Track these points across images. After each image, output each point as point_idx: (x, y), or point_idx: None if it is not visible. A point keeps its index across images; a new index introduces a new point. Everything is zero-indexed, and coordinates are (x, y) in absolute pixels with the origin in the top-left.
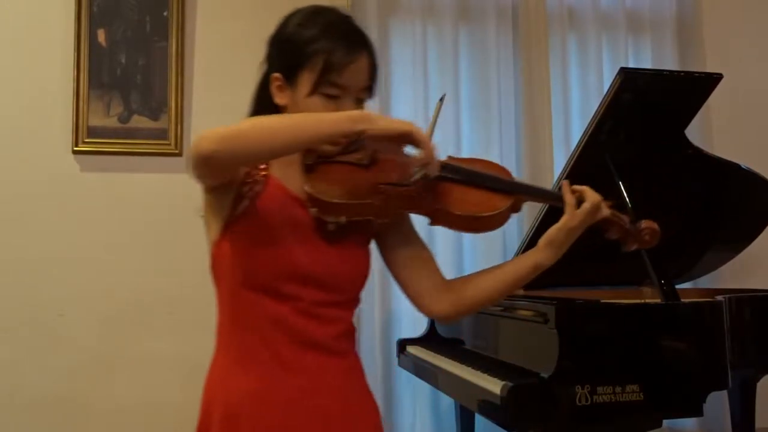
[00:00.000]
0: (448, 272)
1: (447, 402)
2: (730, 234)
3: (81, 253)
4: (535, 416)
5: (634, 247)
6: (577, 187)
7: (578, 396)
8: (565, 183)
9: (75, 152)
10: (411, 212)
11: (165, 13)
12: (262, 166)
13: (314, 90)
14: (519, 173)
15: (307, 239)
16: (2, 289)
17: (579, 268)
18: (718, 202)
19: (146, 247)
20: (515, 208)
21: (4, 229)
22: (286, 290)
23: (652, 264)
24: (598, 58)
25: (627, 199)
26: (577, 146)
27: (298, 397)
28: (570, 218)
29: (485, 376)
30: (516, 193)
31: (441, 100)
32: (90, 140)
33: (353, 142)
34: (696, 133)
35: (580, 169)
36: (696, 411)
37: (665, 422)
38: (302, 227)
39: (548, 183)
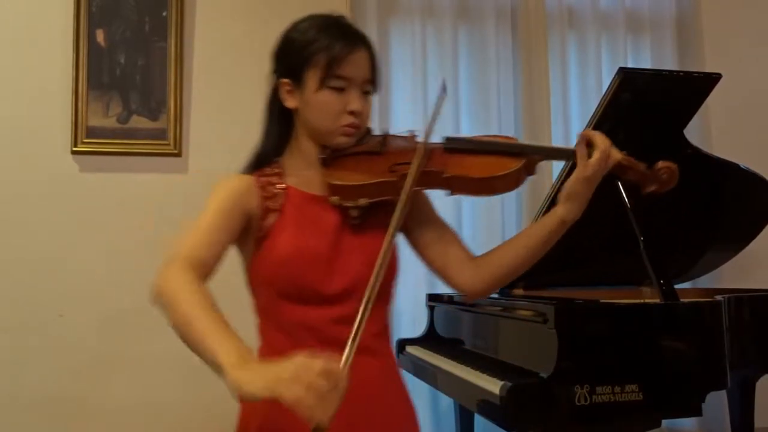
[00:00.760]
0: None
1: (446, 402)
2: (729, 234)
3: (80, 253)
4: (534, 416)
5: (653, 188)
6: (587, 134)
7: (577, 396)
8: (580, 135)
9: (74, 152)
10: (428, 188)
11: (164, 14)
12: (278, 181)
13: (321, 85)
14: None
15: (335, 238)
16: (2, 290)
17: (578, 268)
18: (717, 202)
19: (146, 247)
20: (529, 170)
21: (3, 230)
22: (326, 295)
23: (652, 264)
24: (598, 58)
25: (626, 199)
26: None
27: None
28: (583, 168)
29: (484, 376)
30: (526, 154)
31: (443, 90)
32: (89, 140)
33: (364, 136)
34: (695, 133)
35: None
36: (695, 411)
37: (664, 422)
38: (328, 226)
39: (547, 183)
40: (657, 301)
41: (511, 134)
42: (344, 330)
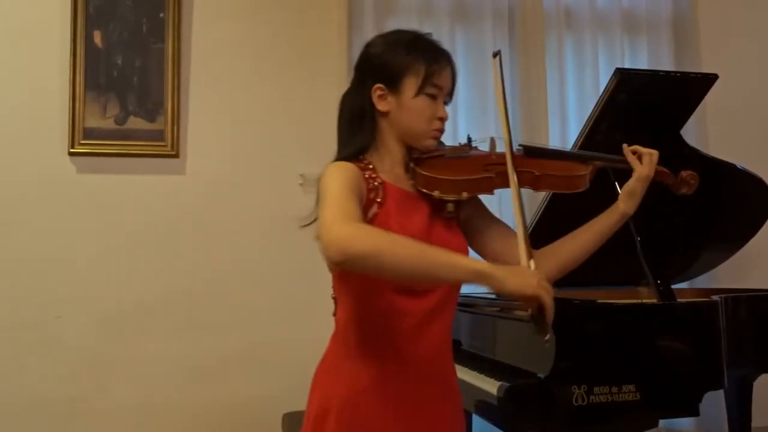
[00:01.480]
0: None
1: None
2: (726, 234)
3: (78, 255)
4: (531, 416)
5: (684, 191)
6: (632, 147)
7: (575, 396)
8: (624, 146)
9: (71, 154)
10: (521, 186)
11: (161, 15)
12: (375, 175)
13: (419, 91)
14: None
15: (430, 230)
16: (0, 291)
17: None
18: (714, 202)
19: (143, 249)
20: (592, 175)
21: (0, 231)
22: (417, 289)
23: (649, 264)
24: (595, 59)
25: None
26: (574, 146)
27: (415, 389)
28: (642, 170)
29: (482, 376)
30: (589, 160)
31: (495, 56)
32: (86, 142)
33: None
34: (692, 133)
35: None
36: (692, 411)
37: (662, 422)
38: (422, 222)
39: None
40: (654, 301)
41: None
42: (434, 317)
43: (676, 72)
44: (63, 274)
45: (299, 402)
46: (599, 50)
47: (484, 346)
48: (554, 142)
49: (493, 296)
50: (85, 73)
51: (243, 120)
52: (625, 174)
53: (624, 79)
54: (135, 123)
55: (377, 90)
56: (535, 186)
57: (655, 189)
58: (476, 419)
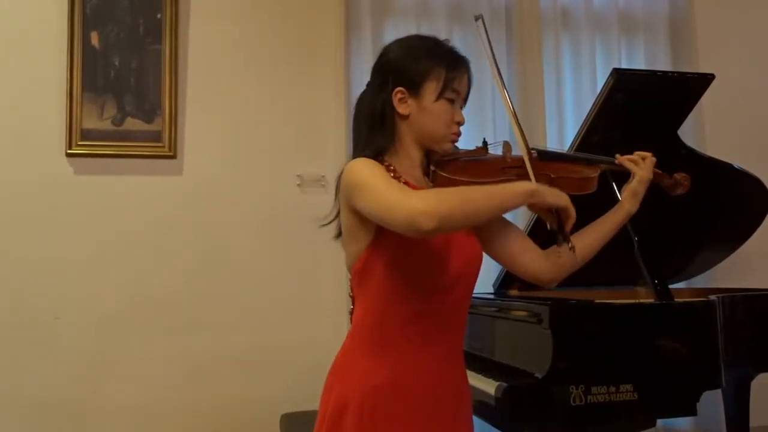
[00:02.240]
0: None
1: None
2: (723, 234)
3: (75, 256)
4: (529, 416)
5: (679, 191)
6: (625, 156)
7: (572, 396)
8: (618, 156)
9: (68, 155)
10: None
11: (158, 16)
12: (397, 176)
13: (439, 96)
14: None
15: (450, 234)
16: None
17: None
18: (712, 202)
19: (141, 250)
20: (599, 178)
21: None
22: (445, 284)
23: (646, 264)
24: (592, 59)
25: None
26: (571, 147)
27: (433, 385)
28: (642, 172)
29: (480, 376)
30: (597, 163)
31: (478, 20)
32: (83, 143)
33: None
34: (689, 133)
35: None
36: (690, 410)
37: (660, 422)
38: None
39: None
40: (652, 301)
41: (506, 136)
42: (451, 318)
43: (673, 72)
44: (61, 275)
45: (297, 402)
46: (596, 50)
47: (482, 346)
48: (551, 143)
49: (491, 296)
50: (82, 74)
51: (240, 121)
52: (622, 176)
53: (621, 79)
54: (132, 124)
55: (398, 93)
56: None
57: (652, 190)
58: (474, 419)
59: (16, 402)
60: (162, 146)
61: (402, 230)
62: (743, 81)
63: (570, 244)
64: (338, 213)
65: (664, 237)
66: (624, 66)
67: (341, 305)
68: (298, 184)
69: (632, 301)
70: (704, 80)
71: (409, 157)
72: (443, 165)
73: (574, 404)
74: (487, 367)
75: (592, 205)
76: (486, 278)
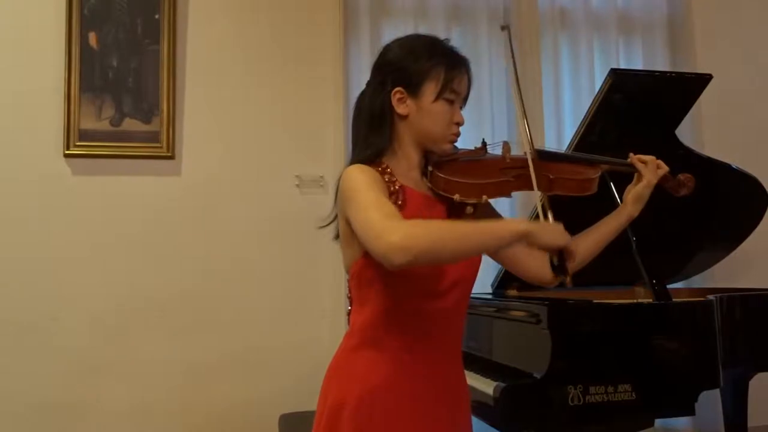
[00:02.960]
0: None
1: None
2: (721, 234)
3: (73, 256)
4: (528, 416)
5: (683, 193)
6: (637, 156)
7: (571, 396)
8: (631, 155)
9: (66, 155)
10: (530, 189)
11: (156, 16)
12: (393, 179)
13: (438, 96)
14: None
15: None
16: None
17: None
18: (710, 203)
19: (139, 250)
20: (601, 177)
21: None
22: (440, 289)
23: (644, 264)
24: (590, 59)
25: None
26: (569, 147)
27: (429, 384)
28: (650, 176)
29: (478, 376)
30: (598, 163)
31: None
32: (81, 143)
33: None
34: (687, 133)
35: None
36: (688, 410)
37: (658, 421)
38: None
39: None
40: (650, 301)
41: (504, 136)
42: (450, 320)
43: (670, 72)
44: (59, 276)
45: (296, 403)
46: (594, 51)
47: (480, 346)
48: (550, 143)
49: (490, 297)
50: (80, 75)
51: (238, 121)
52: (621, 178)
53: (619, 79)
54: (130, 124)
55: (397, 93)
56: (549, 188)
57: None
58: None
59: (14, 402)
60: (160, 147)
61: (377, 258)
62: (741, 81)
63: (568, 279)
64: (337, 215)
65: (662, 237)
66: (622, 66)
67: (340, 306)
68: (297, 185)
69: (630, 301)
70: (702, 80)
71: (407, 157)
72: (441, 165)
73: (572, 404)
74: (485, 368)
75: (587, 205)
76: (484, 278)
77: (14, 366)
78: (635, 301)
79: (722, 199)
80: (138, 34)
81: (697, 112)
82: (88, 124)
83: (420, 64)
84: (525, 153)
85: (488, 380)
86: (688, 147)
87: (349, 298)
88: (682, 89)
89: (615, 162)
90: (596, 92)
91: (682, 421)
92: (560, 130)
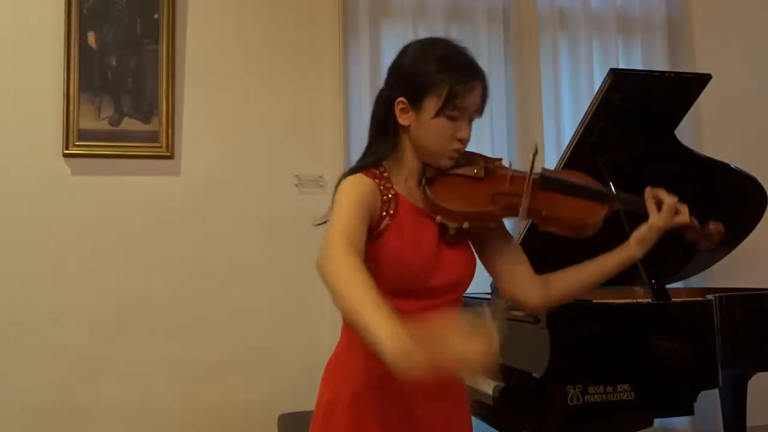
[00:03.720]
0: None
1: None
2: None
3: (73, 256)
4: (527, 416)
5: (706, 246)
6: (655, 190)
7: (570, 396)
8: (647, 189)
9: (66, 155)
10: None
11: (155, 16)
12: (389, 186)
13: (439, 113)
14: None
15: (435, 250)
16: None
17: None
18: (709, 202)
19: (138, 250)
20: (607, 216)
21: None
22: (430, 290)
23: (643, 264)
24: (589, 59)
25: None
26: (568, 147)
27: (417, 388)
28: (657, 219)
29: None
30: (608, 201)
31: (534, 155)
32: (81, 143)
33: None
34: (686, 133)
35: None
36: (687, 410)
37: (657, 421)
38: (431, 237)
39: None
40: (649, 300)
41: (503, 136)
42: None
43: (670, 72)
44: (58, 276)
45: (295, 403)
46: (593, 51)
47: None
48: (549, 143)
49: (489, 296)
50: (80, 75)
51: (238, 121)
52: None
53: (618, 79)
54: (129, 124)
55: (400, 103)
56: (541, 224)
57: (652, 183)
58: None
59: (14, 402)
60: (159, 146)
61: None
62: (740, 81)
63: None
64: None
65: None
66: (621, 66)
67: None
68: (296, 185)
69: (630, 301)
70: (701, 80)
71: (407, 166)
72: (433, 182)
73: (571, 404)
74: None
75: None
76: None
77: (14, 366)
78: (634, 300)
79: (721, 199)
80: (137, 34)
81: (696, 112)
82: (88, 123)
83: (425, 77)
84: (526, 188)
85: (487, 380)
86: (687, 147)
87: None
88: (682, 89)
89: (628, 201)
90: (595, 92)
91: (681, 421)
92: (559, 131)
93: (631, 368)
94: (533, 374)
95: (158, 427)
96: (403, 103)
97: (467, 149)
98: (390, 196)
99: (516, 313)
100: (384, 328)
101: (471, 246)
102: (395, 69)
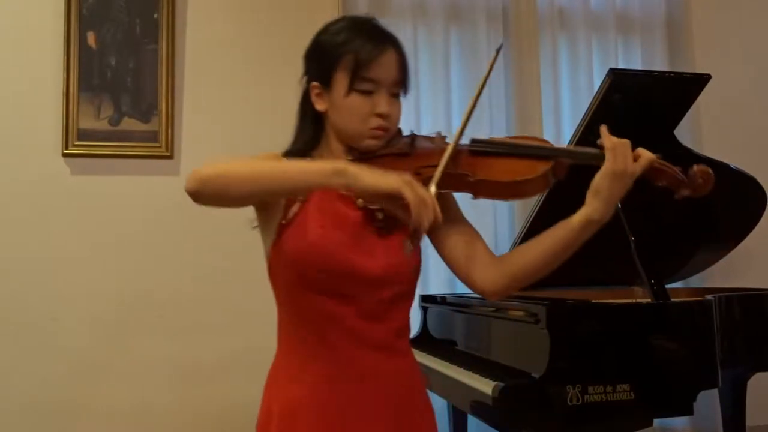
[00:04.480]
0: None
1: (440, 403)
2: (719, 234)
3: (72, 256)
4: (526, 416)
5: (686, 193)
6: (603, 137)
7: (569, 396)
8: (603, 127)
9: (65, 155)
10: (455, 191)
11: (155, 16)
12: None
13: (350, 88)
14: None
15: (358, 236)
16: None
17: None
18: (708, 202)
19: (138, 250)
20: (558, 173)
21: None
22: (344, 290)
23: (643, 264)
24: (588, 59)
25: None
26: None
27: (358, 395)
28: (611, 163)
29: (477, 376)
30: (554, 156)
31: (498, 50)
32: (80, 143)
33: (393, 138)
34: (685, 133)
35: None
36: (687, 410)
37: (656, 421)
38: (352, 225)
39: None
40: (648, 300)
41: (502, 135)
42: (366, 326)
43: (669, 72)
44: (58, 276)
45: None
46: (593, 51)
47: (478, 346)
48: None
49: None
50: (79, 74)
51: (237, 121)
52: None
53: (618, 79)
54: (129, 124)
55: (314, 88)
56: (473, 192)
57: (646, 189)
58: (472, 419)
59: (13, 403)
60: (159, 146)
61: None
62: (739, 81)
63: (409, 245)
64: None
65: (661, 237)
66: (621, 66)
67: None
68: None
69: (629, 301)
70: (701, 80)
71: (332, 154)
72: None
73: (571, 404)
74: (483, 367)
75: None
76: None
77: (14, 366)
78: (634, 301)
79: (721, 199)
80: (137, 34)
81: (695, 112)
82: (87, 123)
83: (329, 54)
84: (450, 147)
85: (487, 380)
86: (686, 147)
87: None
88: (681, 89)
89: (575, 153)
90: (595, 92)
91: (681, 421)
92: (559, 130)
93: (631, 368)
94: (533, 374)
95: (158, 427)
96: (317, 88)
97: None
98: None
99: (516, 313)
100: (315, 162)
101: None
102: (307, 53)
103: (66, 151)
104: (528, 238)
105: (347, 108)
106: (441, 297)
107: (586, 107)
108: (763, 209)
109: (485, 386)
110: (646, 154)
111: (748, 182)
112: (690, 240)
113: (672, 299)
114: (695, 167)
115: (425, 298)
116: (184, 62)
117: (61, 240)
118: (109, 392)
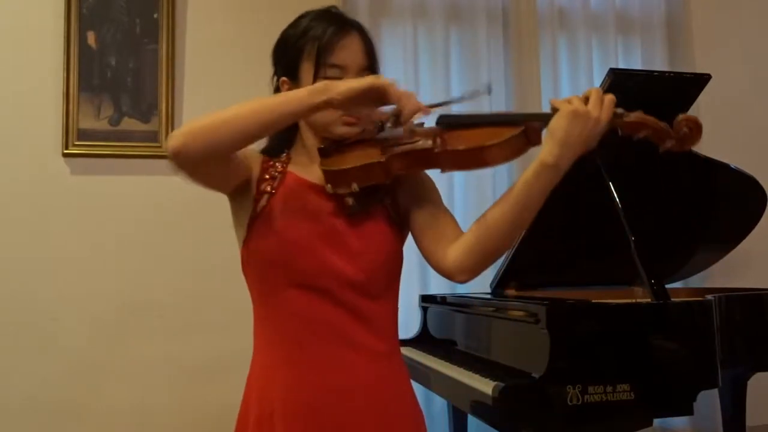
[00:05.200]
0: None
1: (440, 403)
2: (719, 234)
3: (72, 256)
4: (526, 416)
5: (670, 145)
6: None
7: (569, 396)
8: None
9: (65, 155)
10: (420, 168)
11: (155, 15)
12: (281, 167)
13: (316, 76)
14: (510, 173)
15: (329, 226)
16: None
17: (570, 269)
18: (708, 202)
19: (137, 251)
20: (531, 139)
21: None
22: (319, 285)
23: (642, 264)
24: (588, 59)
25: (618, 201)
26: None
27: (334, 399)
28: (573, 104)
29: (477, 376)
30: (525, 121)
31: (488, 90)
32: (80, 143)
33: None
34: None
35: (569, 170)
36: (686, 410)
37: (656, 421)
38: (324, 215)
39: None
40: (648, 300)
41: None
42: (342, 325)
43: (669, 72)
44: (58, 276)
45: None
46: (593, 51)
47: (478, 346)
48: None
49: (488, 296)
50: (79, 74)
51: None
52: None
53: (618, 79)
54: (129, 124)
55: (284, 84)
56: (438, 165)
57: (646, 189)
58: (472, 419)
59: (11, 402)
60: (159, 146)
61: (172, 167)
62: (739, 81)
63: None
64: None
65: (661, 237)
66: (621, 66)
67: None
68: None
69: (629, 301)
70: (700, 80)
71: (306, 147)
72: (326, 152)
73: (571, 404)
74: (483, 367)
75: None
76: (483, 278)
77: (14, 366)
78: (634, 301)
79: (721, 199)
80: (137, 34)
81: (695, 112)
82: (87, 123)
83: (293, 44)
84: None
85: (487, 380)
86: None
87: None
88: (681, 89)
89: (544, 116)
90: None
91: (681, 421)
92: None
93: (631, 368)
94: (533, 374)
95: (158, 427)
96: (286, 83)
97: None
98: (276, 173)
99: (516, 313)
100: (293, 90)
101: (391, 226)
102: (272, 53)
103: (66, 151)
104: (527, 238)
105: None
106: (441, 297)
107: None
108: (763, 209)
109: (485, 386)
110: (609, 99)
111: (748, 182)
112: (690, 240)
113: (672, 299)
114: (681, 115)
115: (425, 298)
116: (184, 62)
117: (61, 240)
118: (109, 392)
